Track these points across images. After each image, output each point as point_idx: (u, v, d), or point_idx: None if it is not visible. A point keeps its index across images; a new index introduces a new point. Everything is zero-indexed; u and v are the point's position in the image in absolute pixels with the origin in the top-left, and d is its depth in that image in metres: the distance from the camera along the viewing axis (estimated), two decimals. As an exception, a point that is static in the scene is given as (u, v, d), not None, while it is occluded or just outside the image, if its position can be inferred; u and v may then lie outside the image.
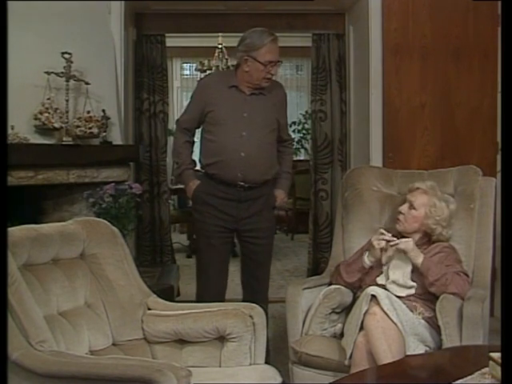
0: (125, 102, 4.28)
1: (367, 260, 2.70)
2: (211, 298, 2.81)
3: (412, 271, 2.59)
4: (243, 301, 2.88)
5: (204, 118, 3.03)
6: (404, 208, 2.73)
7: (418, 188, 2.75)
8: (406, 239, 2.62)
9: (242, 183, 2.96)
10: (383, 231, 2.68)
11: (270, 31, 2.96)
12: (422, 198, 2.72)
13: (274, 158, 3.09)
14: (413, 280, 2.58)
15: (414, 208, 2.71)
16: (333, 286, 2.74)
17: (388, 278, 2.62)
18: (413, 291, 2.56)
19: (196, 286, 3.14)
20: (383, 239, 2.64)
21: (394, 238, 2.63)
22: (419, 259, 2.56)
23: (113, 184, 3.39)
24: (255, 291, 3.09)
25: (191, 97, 3.16)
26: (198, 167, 3.24)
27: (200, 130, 3.13)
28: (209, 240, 3.03)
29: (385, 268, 2.67)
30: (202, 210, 3.04)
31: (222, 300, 2.96)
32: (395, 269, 2.63)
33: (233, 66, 3.58)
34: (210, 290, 3.04)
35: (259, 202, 3.02)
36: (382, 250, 2.66)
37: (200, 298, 3.02)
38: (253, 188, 2.98)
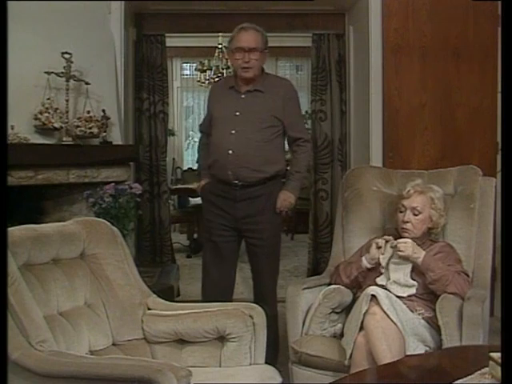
0: (125, 102, 4.28)
1: (366, 263, 2.70)
2: (214, 298, 2.77)
3: (412, 270, 2.59)
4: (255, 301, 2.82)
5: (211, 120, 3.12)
6: (409, 216, 2.69)
7: (414, 191, 2.72)
8: (405, 241, 2.60)
9: (235, 182, 2.96)
10: (385, 237, 2.67)
11: (248, 23, 3.01)
12: (421, 199, 2.71)
13: (271, 155, 2.98)
14: (413, 279, 2.58)
15: (420, 212, 2.69)
16: (332, 286, 2.73)
17: (389, 279, 2.62)
18: (414, 290, 2.56)
19: (201, 285, 3.15)
20: (383, 238, 2.65)
21: (391, 238, 2.63)
22: (420, 258, 2.56)
23: (113, 184, 3.39)
24: (261, 291, 3.09)
25: None
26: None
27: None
28: (210, 236, 3.08)
29: (384, 269, 2.66)
30: (206, 208, 3.13)
31: (229, 300, 2.94)
32: (396, 269, 2.62)
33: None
34: (213, 289, 3.03)
35: (258, 201, 2.98)
36: (380, 250, 2.65)
37: (204, 297, 3.02)
38: (248, 187, 2.96)
